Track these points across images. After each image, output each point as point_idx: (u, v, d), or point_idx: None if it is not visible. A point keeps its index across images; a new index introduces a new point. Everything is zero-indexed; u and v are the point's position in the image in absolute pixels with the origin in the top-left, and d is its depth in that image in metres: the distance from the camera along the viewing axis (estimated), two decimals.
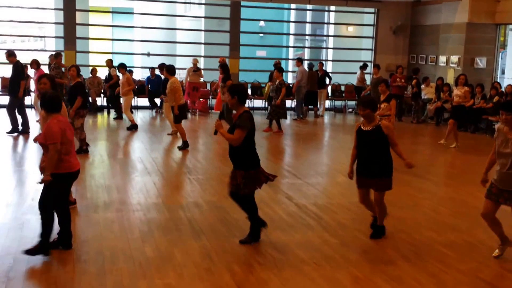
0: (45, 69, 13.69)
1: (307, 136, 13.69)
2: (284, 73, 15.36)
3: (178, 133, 11.15)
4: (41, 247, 5.22)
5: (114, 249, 5.45)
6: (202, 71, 16.46)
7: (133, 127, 12.66)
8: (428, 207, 7.48)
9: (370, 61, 19.15)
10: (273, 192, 7.96)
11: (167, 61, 19.62)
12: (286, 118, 13.46)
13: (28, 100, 14.62)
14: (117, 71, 14.09)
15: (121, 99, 13.55)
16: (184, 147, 10.55)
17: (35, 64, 12.77)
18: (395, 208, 7.26)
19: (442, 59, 16.98)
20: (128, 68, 15.59)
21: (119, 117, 14.34)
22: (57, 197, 5.33)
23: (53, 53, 14.55)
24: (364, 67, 17.48)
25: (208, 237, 5.91)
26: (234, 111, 5.78)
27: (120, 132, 12.58)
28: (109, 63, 14.93)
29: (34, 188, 6.89)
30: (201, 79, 16.29)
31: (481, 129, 14.33)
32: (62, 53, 14.89)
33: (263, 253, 5.55)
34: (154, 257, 5.32)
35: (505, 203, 5.24)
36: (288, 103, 17.96)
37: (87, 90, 15.37)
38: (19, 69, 11.52)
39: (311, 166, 10.04)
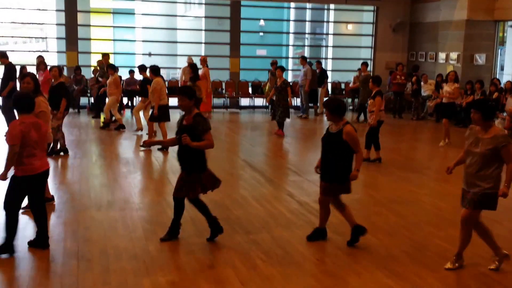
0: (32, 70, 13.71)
1: (307, 133, 13.75)
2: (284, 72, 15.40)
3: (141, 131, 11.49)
4: (5, 247, 5.29)
5: (117, 248, 5.51)
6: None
7: (107, 126, 12.66)
8: (429, 203, 7.54)
9: (370, 59, 19.20)
10: (275, 190, 8.03)
11: (168, 60, 19.76)
12: (289, 117, 13.32)
13: None
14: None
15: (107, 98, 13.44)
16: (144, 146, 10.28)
17: (43, 65, 12.84)
18: (395, 205, 7.34)
19: (442, 56, 17.04)
20: (129, 69, 15.68)
21: (96, 116, 14.34)
22: (28, 198, 5.39)
23: (41, 54, 14.49)
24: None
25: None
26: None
27: (125, 131, 12.59)
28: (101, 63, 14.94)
29: None
30: None
31: None
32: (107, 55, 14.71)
33: (265, 250, 5.60)
34: (158, 255, 5.38)
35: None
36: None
37: (88, 90, 15.49)
38: (11, 71, 11.55)
39: (312, 164, 9.98)
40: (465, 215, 5.06)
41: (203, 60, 14.57)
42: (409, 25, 18.67)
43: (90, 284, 4.72)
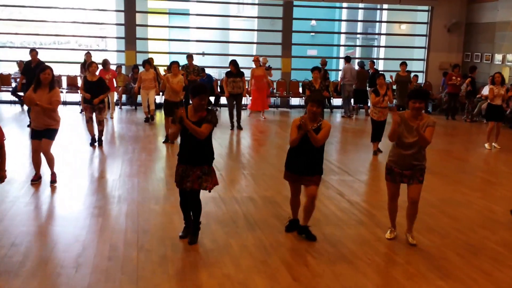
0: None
1: (355, 133, 13.70)
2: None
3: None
4: None
5: (174, 239, 5.71)
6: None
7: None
8: (482, 206, 7.44)
9: (423, 59, 18.93)
10: (325, 188, 8.09)
11: (221, 60, 20.03)
12: None
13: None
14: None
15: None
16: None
17: (108, 64, 13.50)
18: (448, 207, 7.28)
19: (498, 57, 16.61)
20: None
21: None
22: None
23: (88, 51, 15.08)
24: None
25: (262, 230, 6.10)
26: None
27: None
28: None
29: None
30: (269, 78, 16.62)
31: None
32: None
33: (316, 247, 5.69)
34: (213, 248, 5.55)
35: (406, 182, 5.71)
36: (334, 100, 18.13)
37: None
38: None
39: (361, 163, 10.08)
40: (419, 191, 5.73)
41: (256, 60, 14.88)
42: (464, 26, 18.28)
43: (149, 273, 4.92)
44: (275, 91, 17.17)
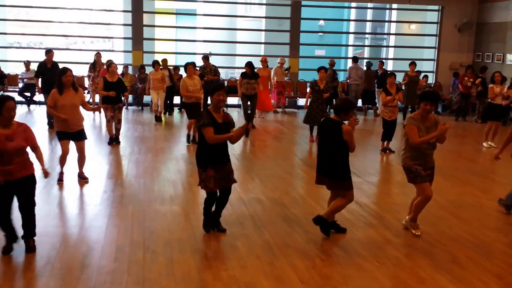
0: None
1: (363, 134, 13.60)
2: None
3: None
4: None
5: (181, 241, 5.66)
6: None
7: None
8: (493, 208, 7.32)
9: (433, 60, 18.77)
10: None
11: (227, 60, 19.94)
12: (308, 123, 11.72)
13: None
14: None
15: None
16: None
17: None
18: (459, 209, 7.18)
19: (510, 57, 16.44)
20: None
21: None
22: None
23: (99, 52, 15.16)
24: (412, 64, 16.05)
25: (270, 232, 6.03)
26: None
27: (183, 130, 12.90)
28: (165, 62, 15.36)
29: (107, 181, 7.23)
30: (286, 78, 16.63)
31: None
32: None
33: (325, 249, 5.62)
34: (219, 250, 5.51)
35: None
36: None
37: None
38: None
39: (370, 164, 9.97)
40: None
41: (264, 61, 14.94)
42: (475, 25, 18.10)
43: (156, 274, 4.88)
44: (284, 93, 17.06)
